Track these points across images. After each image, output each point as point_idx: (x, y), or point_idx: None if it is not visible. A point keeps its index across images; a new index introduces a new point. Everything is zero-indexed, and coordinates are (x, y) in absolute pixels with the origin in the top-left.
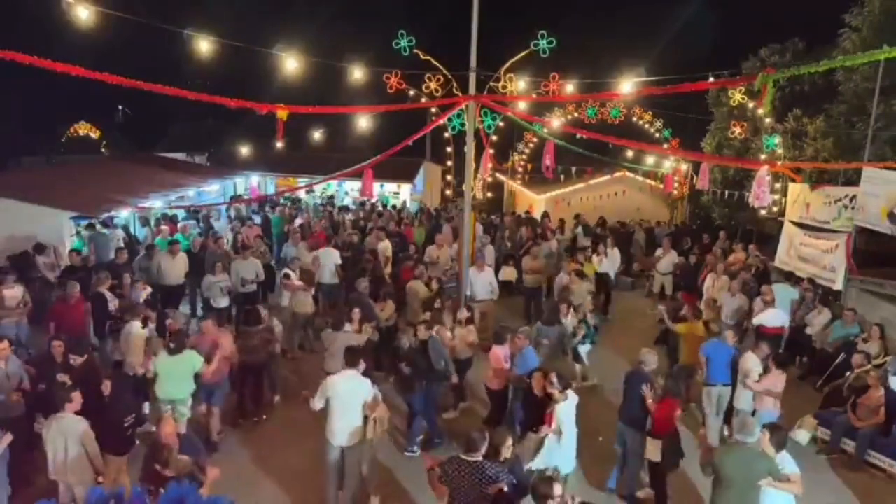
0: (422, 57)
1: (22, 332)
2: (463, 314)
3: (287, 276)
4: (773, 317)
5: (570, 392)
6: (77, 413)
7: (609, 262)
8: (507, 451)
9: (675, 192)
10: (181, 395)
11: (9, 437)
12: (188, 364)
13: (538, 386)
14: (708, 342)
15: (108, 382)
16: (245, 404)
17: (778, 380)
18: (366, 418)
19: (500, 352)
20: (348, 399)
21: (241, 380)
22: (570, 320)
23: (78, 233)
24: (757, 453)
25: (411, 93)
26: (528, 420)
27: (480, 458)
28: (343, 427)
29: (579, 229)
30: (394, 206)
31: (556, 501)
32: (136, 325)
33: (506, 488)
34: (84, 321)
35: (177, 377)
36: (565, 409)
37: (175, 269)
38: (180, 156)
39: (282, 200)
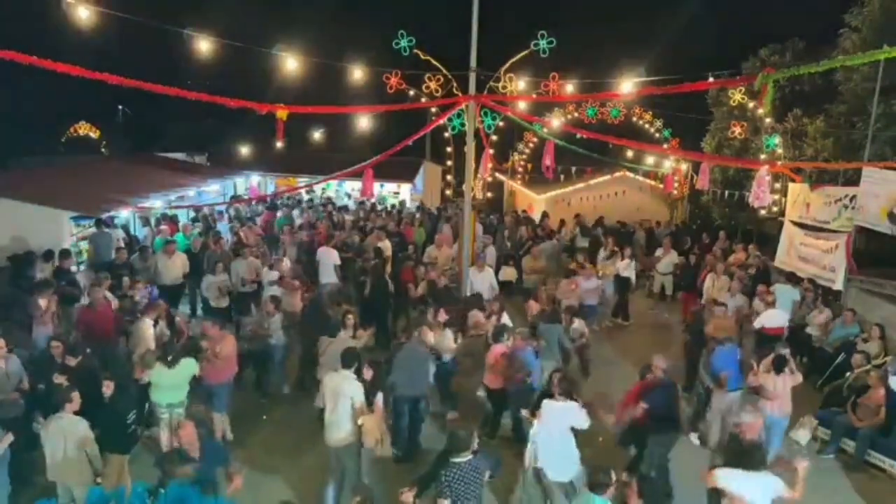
0: (422, 57)
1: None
2: (441, 316)
3: (281, 277)
4: (774, 317)
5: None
6: (75, 413)
7: (633, 266)
8: (475, 443)
9: (675, 192)
10: (178, 400)
11: (9, 438)
12: (185, 372)
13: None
14: (719, 351)
15: (109, 384)
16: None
17: (771, 381)
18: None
19: (498, 350)
20: (332, 397)
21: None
22: (577, 325)
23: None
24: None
25: (411, 93)
26: None
27: (471, 456)
28: (328, 425)
29: (577, 230)
30: (394, 206)
31: (613, 488)
32: (146, 322)
33: (492, 474)
34: (113, 326)
35: (174, 386)
36: (555, 408)
37: (172, 269)
38: (180, 156)
39: (281, 201)
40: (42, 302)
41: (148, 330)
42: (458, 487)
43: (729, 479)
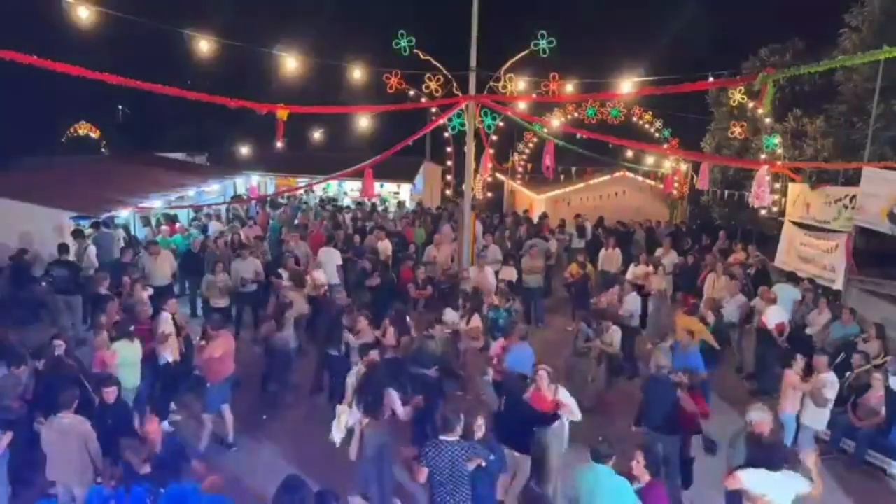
0: (422, 57)
1: None
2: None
3: (279, 276)
4: (777, 314)
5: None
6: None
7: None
8: (479, 430)
9: (675, 192)
10: (137, 382)
11: (9, 437)
12: (140, 349)
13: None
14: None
15: (113, 388)
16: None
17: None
18: None
19: (498, 344)
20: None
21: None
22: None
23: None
24: None
25: (411, 93)
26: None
27: (457, 438)
28: None
29: (573, 231)
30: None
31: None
32: (166, 316)
33: (484, 463)
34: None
35: (134, 364)
36: None
37: (158, 269)
38: (180, 156)
39: (280, 201)
40: (103, 320)
41: (168, 322)
42: (436, 462)
43: (751, 479)
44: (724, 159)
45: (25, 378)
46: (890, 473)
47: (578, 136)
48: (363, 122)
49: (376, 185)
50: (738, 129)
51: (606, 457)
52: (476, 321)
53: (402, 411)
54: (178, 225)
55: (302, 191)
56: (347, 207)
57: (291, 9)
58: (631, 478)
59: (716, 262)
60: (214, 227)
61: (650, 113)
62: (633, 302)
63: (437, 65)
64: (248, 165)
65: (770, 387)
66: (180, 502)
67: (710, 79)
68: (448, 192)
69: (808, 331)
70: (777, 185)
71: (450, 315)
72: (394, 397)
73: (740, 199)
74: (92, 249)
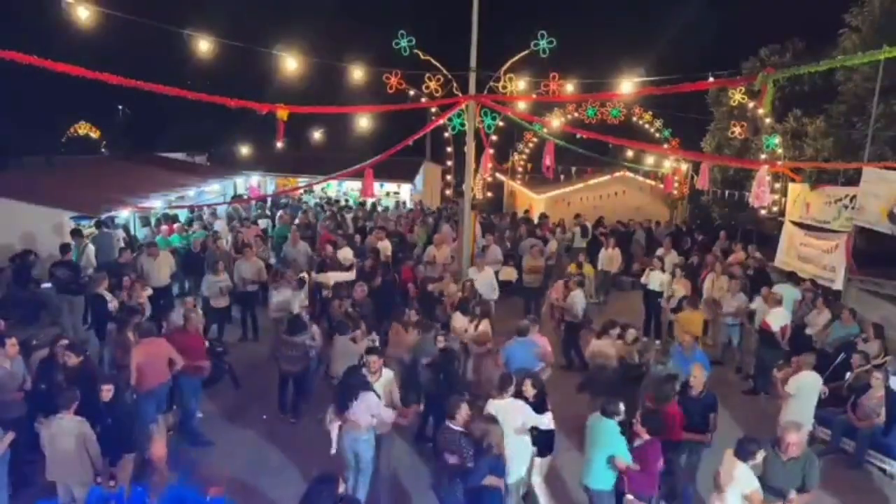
0: (422, 57)
1: None
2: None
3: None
4: (781, 317)
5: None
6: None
7: (660, 276)
8: (461, 418)
9: (675, 192)
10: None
11: (10, 437)
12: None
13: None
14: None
15: (110, 386)
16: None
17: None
18: None
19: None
20: None
21: (281, 387)
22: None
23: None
24: None
25: (411, 93)
26: None
27: (453, 426)
28: None
29: (577, 230)
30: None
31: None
32: (179, 314)
33: (454, 459)
34: (203, 349)
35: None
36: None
37: (157, 270)
38: (180, 156)
39: (282, 200)
40: (132, 336)
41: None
42: (438, 448)
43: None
44: (724, 159)
45: (22, 369)
46: (890, 473)
47: (578, 136)
48: (363, 122)
49: (376, 185)
50: (738, 129)
51: (613, 413)
52: (485, 326)
53: (386, 415)
54: (177, 225)
55: (301, 191)
56: (348, 207)
57: (291, 9)
58: (634, 435)
59: (716, 261)
60: (220, 225)
61: (650, 113)
62: (579, 299)
63: (437, 65)
64: (248, 165)
65: (769, 387)
66: (179, 502)
67: (710, 79)
68: (448, 192)
69: (808, 331)
70: (777, 185)
71: (459, 321)
72: (371, 403)
73: (740, 199)
74: (90, 249)
